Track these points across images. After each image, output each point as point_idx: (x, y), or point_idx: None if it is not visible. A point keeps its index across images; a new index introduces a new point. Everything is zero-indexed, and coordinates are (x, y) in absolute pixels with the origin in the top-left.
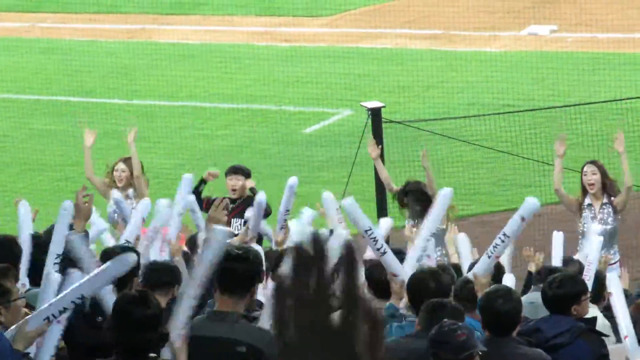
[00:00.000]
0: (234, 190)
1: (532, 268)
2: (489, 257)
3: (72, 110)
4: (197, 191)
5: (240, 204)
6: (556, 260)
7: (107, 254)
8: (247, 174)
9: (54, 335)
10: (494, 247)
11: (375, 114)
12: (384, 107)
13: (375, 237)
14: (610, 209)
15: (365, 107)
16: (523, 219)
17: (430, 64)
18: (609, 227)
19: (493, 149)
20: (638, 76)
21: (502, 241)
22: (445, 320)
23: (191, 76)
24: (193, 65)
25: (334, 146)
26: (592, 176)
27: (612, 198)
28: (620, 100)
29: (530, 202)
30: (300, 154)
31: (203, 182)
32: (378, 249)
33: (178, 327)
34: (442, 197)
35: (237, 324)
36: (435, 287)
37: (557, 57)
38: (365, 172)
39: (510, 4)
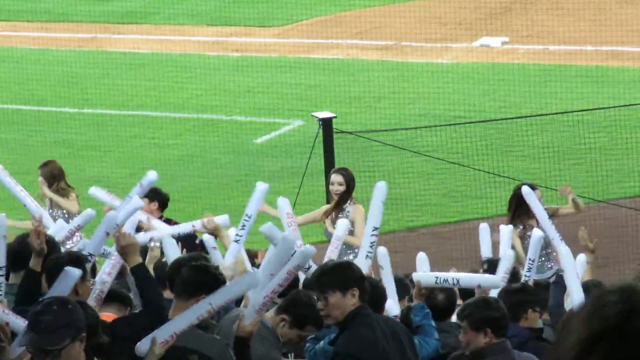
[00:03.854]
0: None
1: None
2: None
3: (23, 118)
4: None
5: None
6: (485, 253)
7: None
8: (154, 199)
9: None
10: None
11: (327, 124)
12: (335, 117)
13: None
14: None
15: (317, 117)
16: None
17: (382, 74)
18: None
19: (444, 160)
20: (589, 88)
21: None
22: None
23: (142, 85)
24: (144, 74)
25: (285, 156)
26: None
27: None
28: (572, 112)
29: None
30: (251, 164)
31: None
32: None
33: (166, 332)
34: (378, 189)
35: (189, 332)
36: (370, 292)
37: (508, 69)
38: (316, 183)
39: (462, 15)
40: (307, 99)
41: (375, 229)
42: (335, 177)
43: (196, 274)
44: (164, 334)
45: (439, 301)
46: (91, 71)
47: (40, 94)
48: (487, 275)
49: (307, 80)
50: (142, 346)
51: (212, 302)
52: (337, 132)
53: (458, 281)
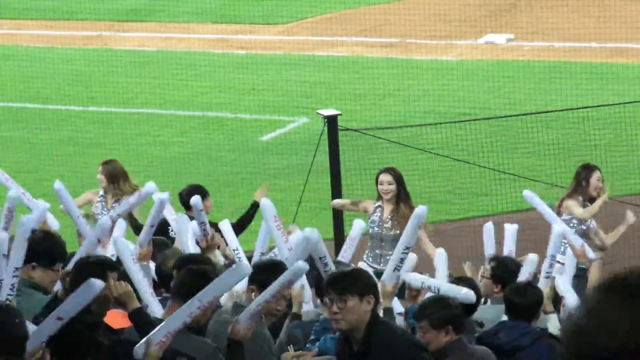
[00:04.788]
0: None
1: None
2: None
3: (28, 116)
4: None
5: None
6: (489, 252)
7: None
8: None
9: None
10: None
11: (332, 121)
12: (340, 114)
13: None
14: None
15: (322, 114)
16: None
17: (387, 72)
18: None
19: (449, 157)
20: (594, 85)
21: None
22: None
23: (147, 83)
24: (149, 72)
25: (290, 154)
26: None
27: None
28: (577, 109)
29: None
30: (257, 162)
31: None
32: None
33: (161, 334)
34: (416, 215)
35: (179, 334)
36: None
37: (513, 66)
38: (321, 180)
39: (467, 12)
40: (312, 96)
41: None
42: (384, 177)
43: (193, 277)
44: (158, 335)
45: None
46: (96, 69)
47: (45, 92)
48: (466, 290)
49: (312, 78)
50: (139, 349)
51: (202, 299)
52: (342, 130)
53: (438, 290)
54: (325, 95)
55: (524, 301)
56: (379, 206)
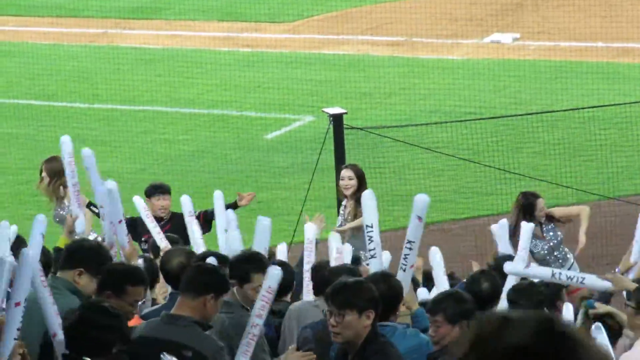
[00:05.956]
0: (163, 210)
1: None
2: (404, 270)
3: (34, 113)
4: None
5: (167, 223)
6: (503, 249)
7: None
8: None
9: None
10: (405, 258)
11: (337, 120)
12: (345, 113)
13: (371, 236)
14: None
15: (327, 113)
16: (420, 218)
17: (393, 70)
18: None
19: (454, 156)
20: (600, 85)
21: (410, 249)
22: None
23: (153, 81)
24: (154, 69)
25: (296, 152)
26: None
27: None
28: (582, 108)
29: (420, 199)
30: (262, 160)
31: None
32: (370, 250)
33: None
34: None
35: (187, 329)
36: (385, 289)
37: (519, 65)
38: (326, 179)
39: (473, 11)
40: (317, 94)
41: (410, 242)
42: (345, 172)
43: (201, 274)
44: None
45: (483, 289)
46: (102, 66)
47: (51, 89)
48: (417, 211)
49: (317, 76)
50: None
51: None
52: (347, 128)
53: (409, 241)
54: (331, 94)
55: (530, 303)
56: (344, 205)
